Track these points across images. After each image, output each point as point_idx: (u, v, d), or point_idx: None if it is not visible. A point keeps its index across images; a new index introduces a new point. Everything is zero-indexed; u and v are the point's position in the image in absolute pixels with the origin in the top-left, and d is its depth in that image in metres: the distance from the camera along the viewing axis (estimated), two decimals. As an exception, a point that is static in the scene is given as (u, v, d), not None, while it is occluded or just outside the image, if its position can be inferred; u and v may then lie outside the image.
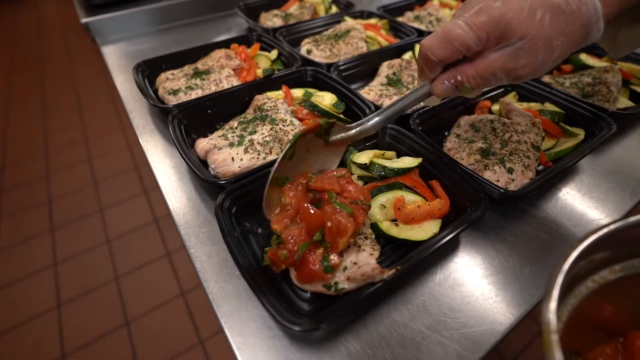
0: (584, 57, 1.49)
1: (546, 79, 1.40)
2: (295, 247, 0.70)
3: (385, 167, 0.92)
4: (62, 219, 3.10)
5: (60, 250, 2.86)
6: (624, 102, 1.30)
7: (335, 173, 0.81)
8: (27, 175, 3.52)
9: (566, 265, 0.52)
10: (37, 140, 3.92)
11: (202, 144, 1.04)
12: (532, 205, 0.99)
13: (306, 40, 1.58)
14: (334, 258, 0.73)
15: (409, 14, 1.86)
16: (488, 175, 0.97)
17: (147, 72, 1.37)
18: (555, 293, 0.49)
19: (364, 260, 0.74)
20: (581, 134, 1.13)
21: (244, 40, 1.54)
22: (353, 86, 1.41)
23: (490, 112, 1.24)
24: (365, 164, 0.93)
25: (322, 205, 0.76)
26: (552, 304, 0.48)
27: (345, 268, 0.74)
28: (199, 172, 0.93)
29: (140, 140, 1.18)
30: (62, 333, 2.36)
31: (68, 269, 2.74)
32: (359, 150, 1.02)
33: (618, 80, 1.33)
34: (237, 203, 0.87)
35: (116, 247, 2.90)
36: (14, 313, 2.46)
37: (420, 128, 1.08)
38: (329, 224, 0.71)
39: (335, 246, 0.72)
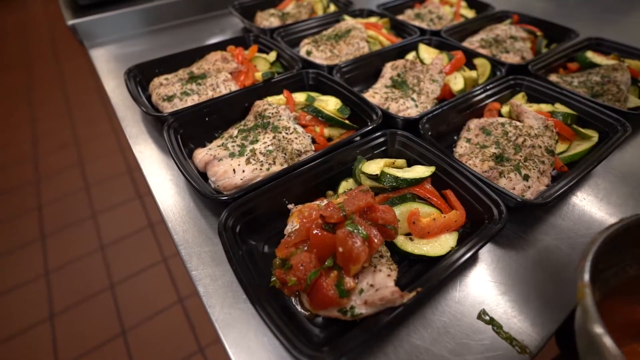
0: (591, 55, 1.45)
1: (554, 78, 1.36)
2: (305, 275, 0.65)
3: (398, 177, 0.87)
4: (53, 226, 3.01)
5: (52, 258, 2.78)
6: (634, 101, 1.27)
7: (361, 189, 0.77)
8: (15, 180, 3.41)
9: (607, 232, 0.54)
10: (25, 145, 3.80)
11: (201, 155, 0.98)
12: (549, 213, 0.95)
13: (305, 40, 1.52)
14: (349, 281, 0.68)
15: (409, 12, 1.80)
16: (503, 183, 0.93)
17: (140, 77, 1.30)
18: (593, 250, 0.52)
19: (381, 282, 0.69)
20: (595, 136, 1.09)
21: (241, 41, 1.47)
22: (356, 88, 1.36)
23: (500, 114, 1.20)
24: (376, 174, 0.88)
25: (335, 227, 0.70)
26: (588, 263, 0.51)
27: (361, 291, 0.69)
28: (199, 186, 0.87)
29: (134, 151, 1.11)
30: (55, 344, 2.29)
31: (61, 277, 2.66)
32: (368, 159, 0.97)
33: (627, 78, 1.29)
34: (241, 220, 0.82)
35: (110, 253, 2.82)
36: (4, 325, 2.38)
37: (430, 133, 1.03)
38: (340, 249, 0.66)
39: (348, 272, 0.67)
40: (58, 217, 3.09)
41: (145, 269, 2.72)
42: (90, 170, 3.51)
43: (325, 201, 0.85)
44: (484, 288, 0.79)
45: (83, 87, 4.63)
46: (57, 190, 3.33)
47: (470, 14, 1.83)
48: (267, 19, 1.68)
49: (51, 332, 2.36)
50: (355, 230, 0.68)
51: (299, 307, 0.74)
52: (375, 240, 0.69)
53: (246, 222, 0.83)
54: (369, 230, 0.69)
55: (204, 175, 0.99)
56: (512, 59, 1.45)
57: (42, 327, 2.38)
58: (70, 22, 1.58)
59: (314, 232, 0.70)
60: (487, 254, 0.86)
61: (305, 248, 0.72)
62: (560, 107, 1.19)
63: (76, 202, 3.22)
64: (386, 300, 0.66)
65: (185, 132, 1.07)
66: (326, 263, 0.69)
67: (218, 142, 1.04)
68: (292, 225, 0.81)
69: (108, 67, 1.53)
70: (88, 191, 3.31)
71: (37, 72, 4.95)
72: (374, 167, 0.90)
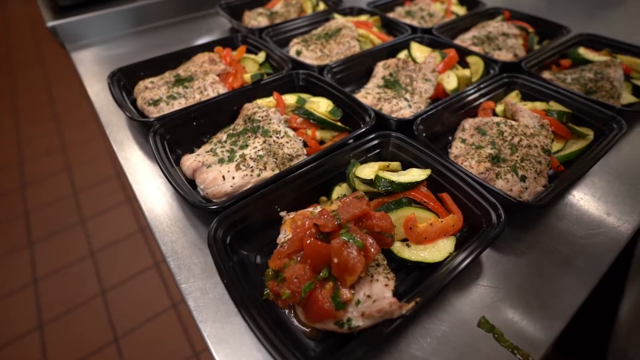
0: (583, 51, 1.44)
1: (547, 75, 1.35)
2: (299, 288, 0.63)
3: (393, 182, 0.85)
4: (41, 233, 2.93)
5: (40, 265, 2.71)
6: (627, 98, 1.26)
7: (355, 195, 0.74)
8: (1, 186, 3.33)
9: None
10: (10, 150, 3.71)
11: (189, 162, 0.95)
12: (546, 214, 0.94)
13: (295, 40, 1.48)
14: (345, 293, 0.65)
15: (400, 10, 1.78)
16: (500, 184, 0.91)
17: (124, 80, 1.25)
18: None
19: (378, 293, 0.66)
20: (590, 134, 1.08)
21: (229, 42, 1.43)
22: (347, 89, 1.33)
23: (494, 113, 1.18)
24: (371, 179, 0.85)
25: (330, 236, 0.68)
26: None
27: (358, 302, 0.66)
28: (187, 195, 0.83)
29: (119, 158, 1.07)
30: (46, 355, 2.23)
31: (50, 285, 2.60)
32: (362, 162, 0.94)
33: (620, 75, 1.28)
34: (232, 230, 0.79)
35: (101, 259, 2.76)
36: (-8, 337, 2.32)
37: (424, 134, 1.01)
38: (335, 260, 0.63)
39: (344, 283, 0.65)
40: (46, 224, 3.02)
41: (137, 274, 2.67)
42: (78, 175, 3.43)
43: (319, 208, 0.83)
44: (484, 294, 0.77)
45: (69, 89, 4.53)
46: (45, 196, 3.25)
47: (461, 10, 1.81)
48: (255, 19, 1.64)
49: (41, 342, 2.31)
50: (350, 240, 0.65)
51: (294, 320, 0.71)
52: (372, 250, 0.66)
53: (237, 231, 0.79)
54: (364, 239, 0.67)
55: (192, 183, 0.95)
56: (504, 56, 1.43)
57: (31, 337, 2.33)
58: (50, 23, 1.52)
59: (308, 242, 0.67)
60: (485, 258, 0.84)
61: (299, 258, 0.69)
62: (554, 105, 1.17)
63: (64, 207, 3.14)
64: (384, 312, 0.64)
65: (172, 137, 1.03)
66: (321, 274, 0.66)
67: (206, 147, 1.01)
68: (285, 234, 0.78)
69: (91, 70, 1.48)
70: (76, 196, 3.24)
71: (20, 75, 4.83)
72: (368, 171, 0.88)
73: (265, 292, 0.69)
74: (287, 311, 0.72)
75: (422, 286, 0.70)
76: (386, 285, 0.68)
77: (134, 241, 2.88)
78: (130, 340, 2.32)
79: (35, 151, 3.72)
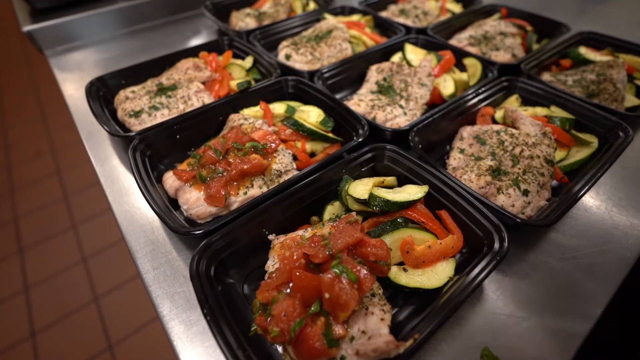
0: (584, 51, 1.38)
1: (546, 77, 1.29)
2: (288, 326, 0.58)
3: (388, 201, 0.79)
4: (31, 239, 2.87)
5: (31, 273, 2.65)
6: (630, 100, 1.21)
7: (348, 220, 0.69)
8: (-12, 192, 3.25)
9: None
10: (-3, 154, 3.63)
11: (171, 181, 0.89)
12: (550, 229, 0.89)
13: (284, 43, 1.41)
14: (338, 329, 0.61)
15: (393, 8, 1.71)
16: (502, 200, 0.86)
17: (104, 90, 1.18)
18: None
19: (374, 329, 0.61)
20: (594, 141, 1.03)
21: (215, 46, 1.36)
22: (340, 95, 1.27)
23: (494, 120, 1.13)
24: (365, 199, 0.80)
25: (321, 266, 0.63)
26: None
27: (352, 338, 0.61)
28: (169, 220, 0.78)
29: (98, 176, 1.01)
30: (38, 365, 2.19)
31: (41, 293, 2.54)
32: (355, 178, 0.88)
33: (624, 76, 1.23)
34: (216, 259, 0.73)
35: (93, 265, 2.70)
36: (-18, 349, 2.27)
37: (420, 146, 0.95)
38: (327, 295, 0.58)
39: (336, 319, 0.60)
40: (36, 229, 2.95)
41: (131, 279, 2.62)
42: (68, 179, 3.36)
43: (310, 230, 0.77)
44: (486, 321, 0.72)
45: (57, 90, 4.43)
46: (34, 201, 3.18)
47: (456, 8, 1.75)
48: (243, 20, 1.56)
49: (33, 351, 2.26)
50: (343, 274, 0.60)
51: (283, 356, 0.66)
52: (366, 283, 0.61)
53: (222, 259, 0.74)
54: (358, 271, 0.62)
55: (176, 202, 0.90)
56: (502, 57, 1.37)
57: (23, 347, 2.28)
58: (26, 28, 1.44)
59: (297, 274, 0.62)
60: (487, 282, 0.79)
61: (288, 290, 0.64)
62: (556, 110, 1.12)
63: (55, 212, 3.08)
64: (380, 351, 0.59)
65: (154, 152, 0.97)
66: (312, 308, 0.61)
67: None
68: (273, 261, 0.73)
69: (72, 77, 1.41)
70: (67, 200, 3.17)
71: (6, 78, 4.71)
72: (361, 189, 0.82)
73: (252, 328, 0.65)
74: (277, 346, 0.67)
75: (422, 318, 0.65)
76: (382, 319, 0.63)
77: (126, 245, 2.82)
78: (125, 347, 2.28)
79: (24, 154, 3.64)
